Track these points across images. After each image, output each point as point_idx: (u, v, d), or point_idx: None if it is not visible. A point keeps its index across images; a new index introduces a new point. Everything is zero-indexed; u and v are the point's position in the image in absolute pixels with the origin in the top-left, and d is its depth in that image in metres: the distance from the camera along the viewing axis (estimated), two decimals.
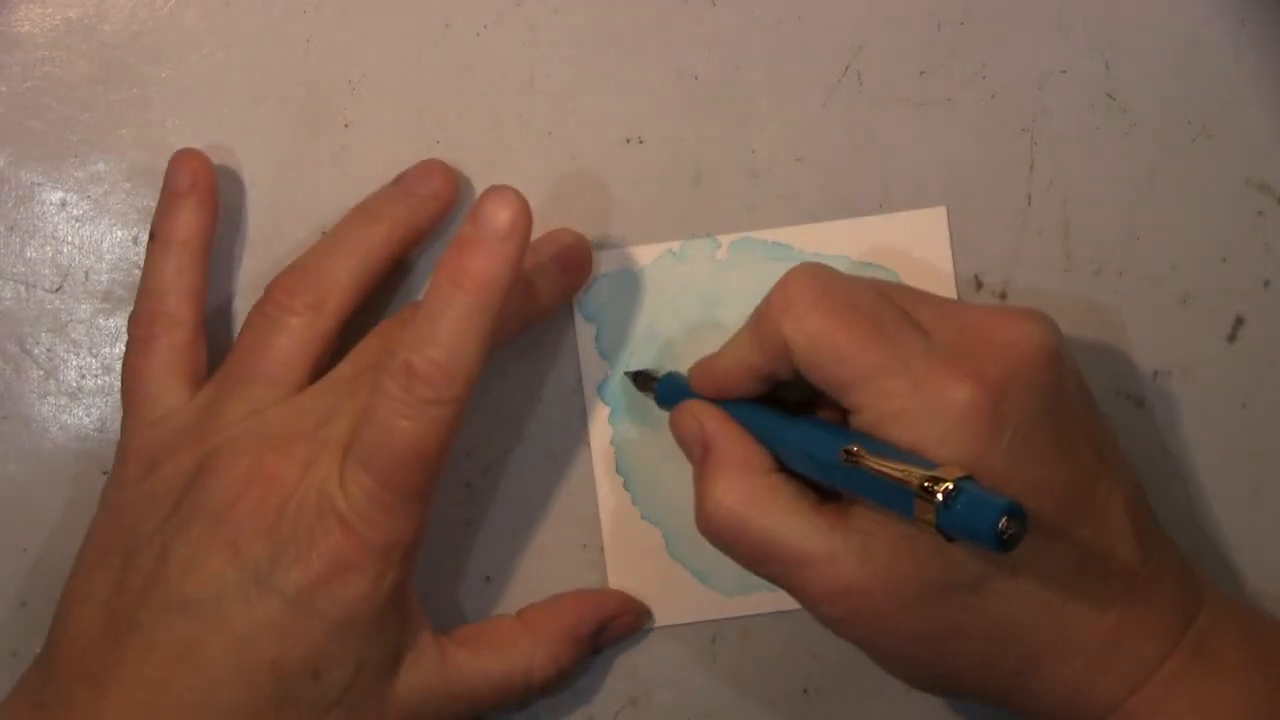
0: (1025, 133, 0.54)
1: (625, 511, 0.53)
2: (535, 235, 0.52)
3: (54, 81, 0.52)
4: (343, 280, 0.49)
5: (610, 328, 0.53)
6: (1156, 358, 0.54)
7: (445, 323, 0.45)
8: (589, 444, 0.53)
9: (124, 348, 0.50)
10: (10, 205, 0.53)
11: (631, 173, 0.54)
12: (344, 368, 0.49)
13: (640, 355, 0.53)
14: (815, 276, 0.46)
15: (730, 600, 0.53)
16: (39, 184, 0.53)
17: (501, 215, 0.45)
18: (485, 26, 0.53)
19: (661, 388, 0.52)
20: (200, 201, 0.50)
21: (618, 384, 0.53)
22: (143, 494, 0.48)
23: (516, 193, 0.46)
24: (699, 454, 0.48)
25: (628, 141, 0.54)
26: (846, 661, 0.54)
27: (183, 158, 0.51)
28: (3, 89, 0.52)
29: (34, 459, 0.53)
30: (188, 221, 0.50)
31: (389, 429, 0.45)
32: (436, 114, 0.53)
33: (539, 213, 0.53)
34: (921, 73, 0.54)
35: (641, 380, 0.52)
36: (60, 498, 0.53)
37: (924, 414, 0.43)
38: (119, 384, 0.52)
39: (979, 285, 0.54)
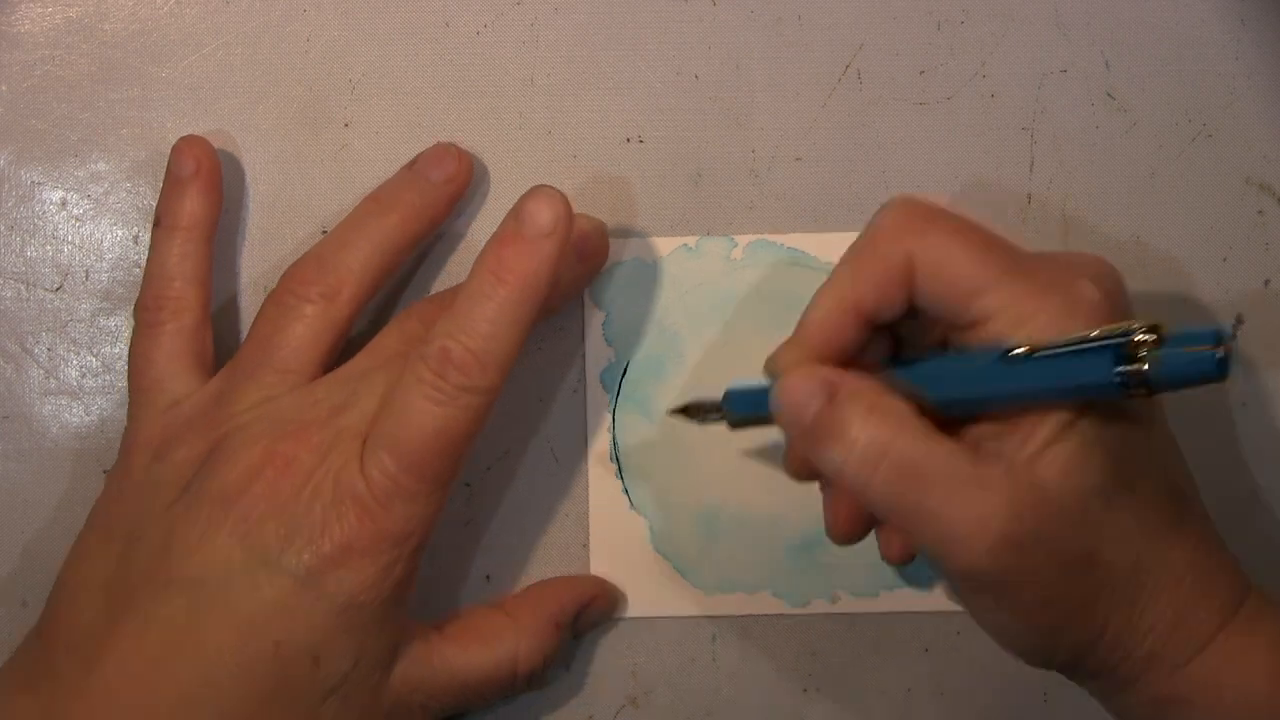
0: (1025, 132, 0.54)
1: (614, 499, 0.53)
2: None
3: (54, 80, 0.52)
4: (357, 270, 0.49)
5: (620, 316, 0.53)
6: None
7: (484, 313, 0.45)
8: (588, 436, 0.53)
9: (130, 334, 0.50)
10: (11, 204, 0.53)
11: (631, 172, 0.54)
12: (361, 361, 0.49)
13: (648, 347, 0.53)
14: (920, 202, 0.46)
15: (710, 598, 0.53)
16: (39, 183, 0.53)
17: (545, 214, 0.46)
18: (485, 26, 0.53)
19: (732, 403, 0.49)
20: (204, 188, 0.50)
21: (620, 372, 0.53)
22: (150, 479, 0.48)
23: (559, 194, 0.46)
24: (819, 403, 0.45)
25: (628, 141, 0.54)
26: (846, 661, 0.54)
27: (186, 144, 0.51)
28: (3, 88, 0.52)
29: (35, 457, 0.53)
30: (191, 208, 0.50)
31: (420, 412, 0.45)
32: (436, 114, 0.53)
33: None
34: (921, 72, 0.54)
35: (696, 410, 0.51)
36: (61, 496, 0.53)
37: (1060, 310, 0.43)
38: (120, 382, 0.52)
39: None
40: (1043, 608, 0.45)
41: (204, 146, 0.51)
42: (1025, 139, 0.54)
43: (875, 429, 0.44)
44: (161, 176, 0.52)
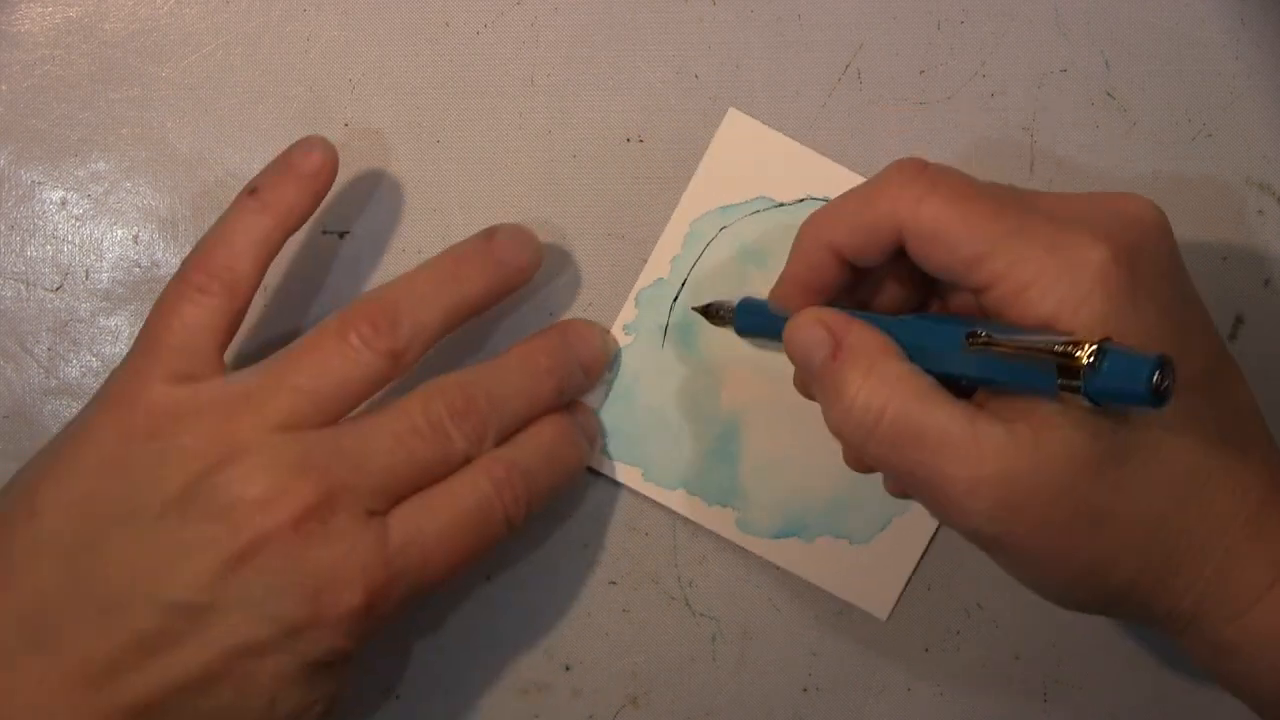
0: (1025, 132, 0.54)
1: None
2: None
3: (54, 80, 0.52)
4: (428, 336, 0.48)
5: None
6: None
7: (549, 479, 0.49)
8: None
9: (170, 283, 0.47)
10: (11, 204, 0.53)
11: (631, 172, 0.54)
12: (384, 421, 0.47)
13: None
14: (925, 166, 0.45)
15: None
16: (39, 182, 0.53)
17: (595, 426, 0.53)
18: (485, 26, 0.53)
19: (740, 313, 0.51)
20: (315, 190, 0.49)
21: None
22: (148, 457, 0.45)
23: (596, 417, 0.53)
24: (824, 354, 0.46)
25: (628, 141, 0.54)
26: (846, 661, 0.54)
27: (314, 143, 0.49)
28: (3, 88, 0.52)
29: None
30: (294, 200, 0.48)
31: (466, 543, 0.47)
32: (436, 114, 0.53)
33: (540, 213, 0.53)
34: (921, 72, 0.54)
35: (713, 313, 0.52)
36: None
37: (1063, 276, 0.42)
38: None
39: None
40: (1052, 564, 0.44)
41: (330, 153, 0.49)
42: (1025, 139, 0.54)
43: (873, 390, 0.44)
44: (162, 175, 0.52)
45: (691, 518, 0.53)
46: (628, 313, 0.53)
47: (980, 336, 0.42)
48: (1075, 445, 0.42)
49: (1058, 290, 0.42)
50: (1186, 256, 0.54)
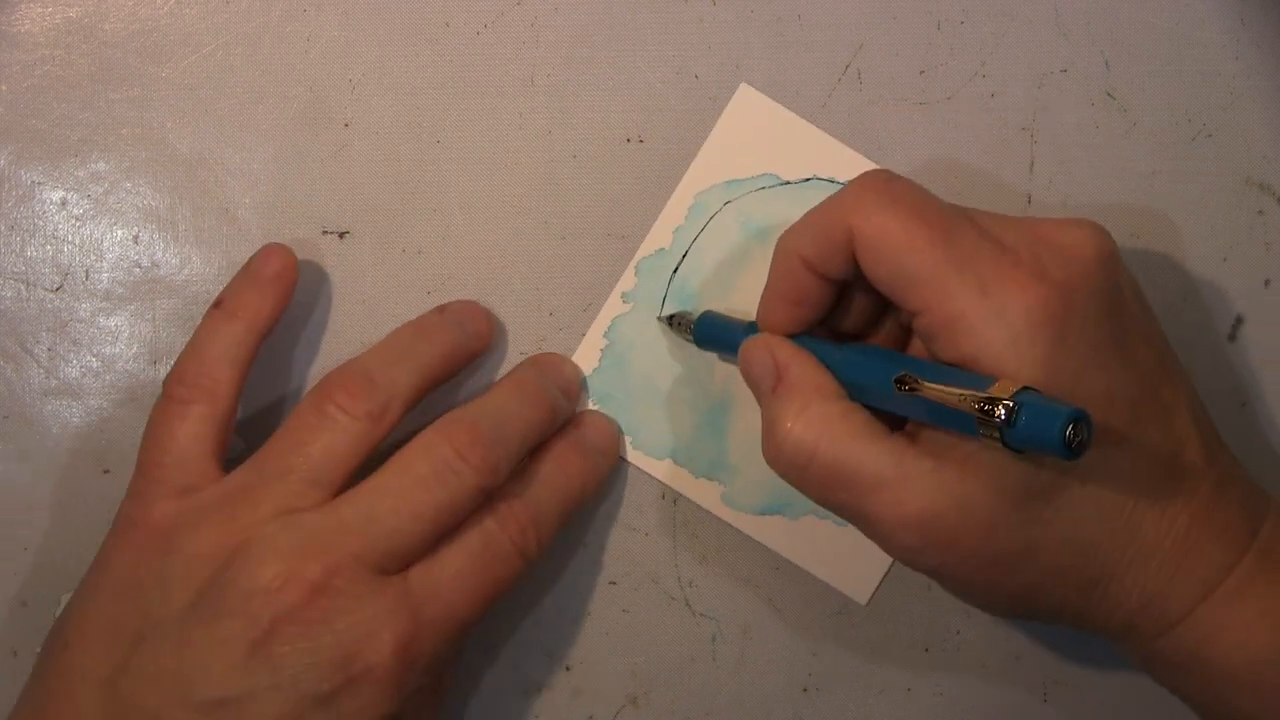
0: (1025, 132, 0.54)
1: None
2: (526, 233, 0.52)
3: (54, 80, 0.52)
4: (404, 393, 0.49)
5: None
6: None
7: (553, 501, 0.50)
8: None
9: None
10: (11, 204, 0.53)
11: (631, 173, 0.54)
12: (389, 479, 0.47)
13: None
14: (889, 180, 0.46)
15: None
16: (39, 183, 0.53)
17: (607, 432, 0.53)
18: (485, 26, 0.53)
19: (699, 327, 0.52)
20: (278, 293, 0.50)
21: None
22: (158, 572, 0.46)
23: (610, 421, 0.53)
24: (769, 384, 0.47)
25: (628, 141, 0.54)
26: (846, 661, 0.54)
27: (274, 249, 0.51)
28: (3, 88, 0.52)
29: (34, 458, 0.53)
30: (260, 304, 0.50)
31: (479, 590, 0.47)
32: (436, 114, 0.53)
33: (540, 213, 0.53)
34: (921, 72, 0.54)
35: (677, 323, 0.53)
36: (61, 497, 0.53)
37: (992, 316, 0.43)
38: (121, 382, 0.52)
39: None
40: (985, 591, 0.46)
41: (290, 257, 0.51)
42: (1025, 139, 0.54)
43: (804, 429, 0.45)
44: (162, 175, 0.52)
45: (677, 488, 0.54)
46: (627, 281, 0.54)
47: (907, 382, 0.43)
48: (1001, 484, 0.43)
49: (985, 332, 0.43)
50: (1186, 256, 0.54)
